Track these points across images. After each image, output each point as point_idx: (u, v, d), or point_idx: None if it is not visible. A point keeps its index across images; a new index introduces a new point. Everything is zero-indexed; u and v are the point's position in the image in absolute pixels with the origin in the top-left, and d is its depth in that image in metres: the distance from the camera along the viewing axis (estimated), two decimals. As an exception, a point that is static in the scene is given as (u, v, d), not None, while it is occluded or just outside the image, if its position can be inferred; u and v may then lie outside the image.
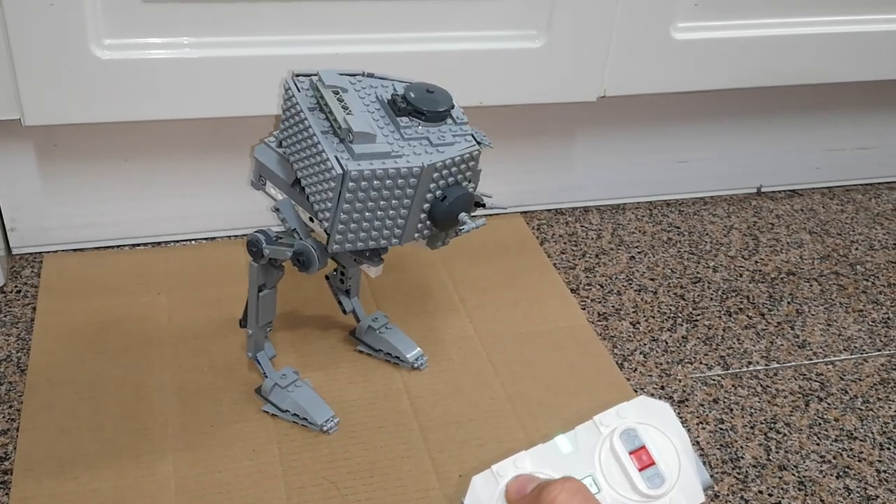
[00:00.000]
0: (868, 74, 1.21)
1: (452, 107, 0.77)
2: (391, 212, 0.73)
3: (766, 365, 1.01)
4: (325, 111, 0.74)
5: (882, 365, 1.03)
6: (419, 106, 0.74)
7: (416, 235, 0.76)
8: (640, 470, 0.52)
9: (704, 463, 0.88)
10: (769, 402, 0.96)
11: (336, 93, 0.75)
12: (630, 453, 0.53)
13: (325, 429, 0.86)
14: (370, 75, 0.79)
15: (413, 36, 1.01)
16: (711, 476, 0.87)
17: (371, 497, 0.81)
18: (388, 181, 0.71)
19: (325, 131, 0.72)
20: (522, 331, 1.02)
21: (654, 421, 0.54)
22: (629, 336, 1.04)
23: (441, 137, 0.74)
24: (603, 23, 1.05)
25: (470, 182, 0.76)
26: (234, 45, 0.96)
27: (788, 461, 0.89)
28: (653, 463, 0.53)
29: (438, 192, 0.74)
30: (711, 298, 1.11)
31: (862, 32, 1.16)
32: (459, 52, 1.02)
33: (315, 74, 0.77)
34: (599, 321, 1.06)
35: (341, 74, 0.78)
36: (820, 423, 0.94)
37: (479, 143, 0.75)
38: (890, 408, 0.97)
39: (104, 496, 0.79)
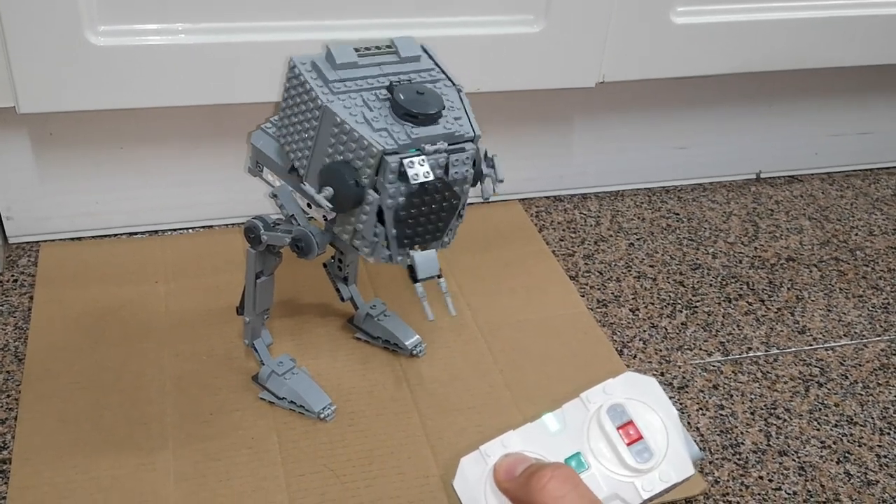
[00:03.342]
0: (867, 59, 1.21)
1: (425, 115, 0.71)
2: (304, 134, 0.74)
3: (766, 351, 1.01)
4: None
5: (882, 350, 1.02)
6: (396, 100, 0.72)
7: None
8: (629, 445, 0.52)
9: (704, 448, 0.88)
10: (769, 387, 0.96)
11: (389, 47, 0.76)
12: (618, 428, 0.53)
13: (321, 416, 0.86)
14: (459, 90, 0.76)
15: (410, 21, 1.00)
16: (702, 450, 0.87)
17: (370, 484, 0.81)
18: (304, 95, 0.73)
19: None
20: (521, 318, 1.01)
21: (642, 396, 0.54)
22: (628, 323, 1.03)
23: (375, 119, 0.71)
24: (602, 7, 1.04)
25: (365, 181, 0.70)
26: (230, 32, 0.95)
27: (789, 447, 0.89)
28: (641, 437, 0.52)
29: (338, 157, 0.72)
30: (711, 285, 1.11)
31: (862, 16, 1.16)
32: (456, 37, 1.01)
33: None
34: (599, 308, 1.05)
35: (441, 69, 0.77)
36: (820, 409, 0.94)
37: (397, 156, 0.69)
38: (890, 393, 0.97)
39: (103, 485, 0.78)
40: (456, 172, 0.72)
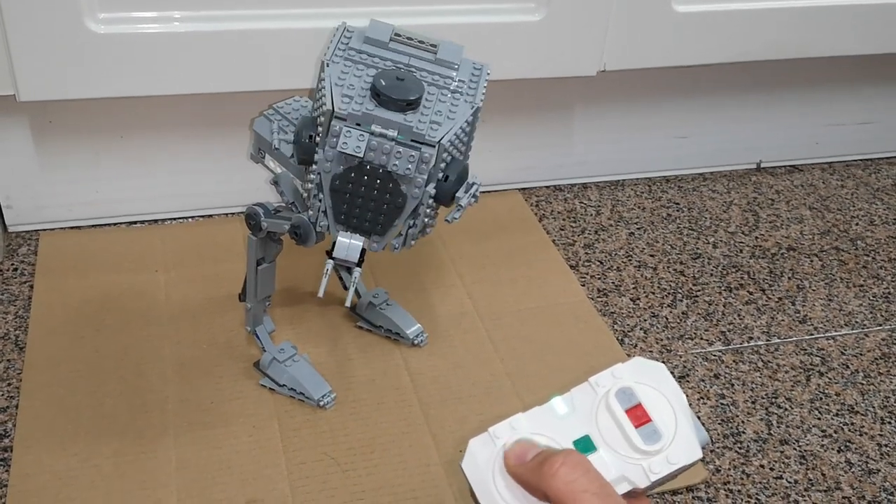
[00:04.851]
0: (869, 48, 1.20)
1: (408, 101, 0.71)
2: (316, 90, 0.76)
3: (767, 340, 1.01)
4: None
5: (883, 339, 1.02)
6: (377, 88, 0.72)
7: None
8: (637, 427, 0.52)
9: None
10: (770, 377, 0.96)
11: (433, 45, 0.77)
12: (626, 411, 0.53)
13: (321, 404, 0.85)
14: (474, 108, 0.75)
15: (410, 9, 1.00)
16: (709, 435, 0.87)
17: (372, 473, 0.81)
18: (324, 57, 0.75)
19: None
20: (521, 307, 1.01)
21: (650, 380, 0.54)
22: (629, 312, 1.03)
23: (352, 86, 0.71)
24: (603, -5, 1.04)
25: (319, 136, 0.71)
26: (230, 20, 0.95)
27: (790, 436, 0.89)
28: (649, 420, 0.52)
29: (315, 113, 0.74)
30: (711, 274, 1.11)
31: (863, 5, 1.15)
32: (457, 25, 1.01)
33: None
34: (599, 297, 1.05)
35: (475, 86, 0.77)
36: (821, 398, 0.94)
37: (344, 123, 0.70)
38: (891, 382, 0.97)
39: (104, 472, 0.78)
40: (395, 165, 0.70)
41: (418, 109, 0.71)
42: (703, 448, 0.52)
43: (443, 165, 0.73)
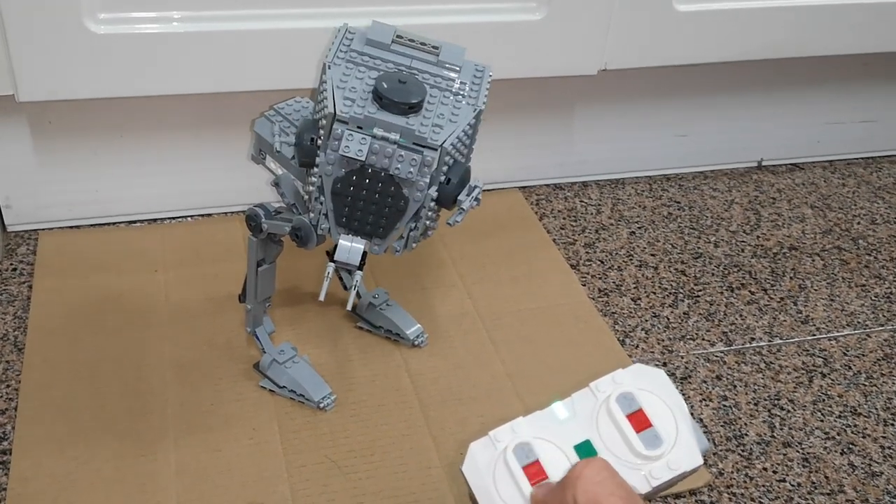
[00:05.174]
0: (870, 47, 1.20)
1: (409, 105, 0.71)
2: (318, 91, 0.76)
3: (769, 341, 1.01)
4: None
5: (885, 340, 1.02)
6: (379, 90, 0.71)
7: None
8: (638, 432, 0.52)
9: (708, 439, 0.88)
10: (772, 378, 0.96)
11: (435, 47, 0.77)
12: (627, 416, 0.53)
13: (321, 406, 0.85)
14: (476, 110, 0.74)
15: (411, 9, 1.00)
16: (710, 442, 0.87)
17: (372, 475, 0.80)
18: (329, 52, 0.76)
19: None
20: (522, 307, 1.01)
21: (650, 387, 0.54)
22: (630, 312, 1.03)
23: (353, 89, 0.72)
24: (605, -5, 1.04)
25: (320, 139, 0.71)
26: (230, 20, 0.94)
27: (792, 438, 0.89)
28: (650, 425, 0.52)
29: (316, 116, 0.74)
30: (713, 274, 1.10)
31: (864, 4, 1.15)
32: (458, 24, 1.01)
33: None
34: (600, 297, 1.05)
35: (477, 88, 0.76)
36: (824, 400, 0.94)
37: (346, 126, 0.70)
38: (894, 383, 0.96)
39: (104, 476, 0.78)
40: (397, 169, 0.70)
41: (420, 112, 0.71)
42: (703, 455, 0.52)
43: (445, 168, 0.72)
